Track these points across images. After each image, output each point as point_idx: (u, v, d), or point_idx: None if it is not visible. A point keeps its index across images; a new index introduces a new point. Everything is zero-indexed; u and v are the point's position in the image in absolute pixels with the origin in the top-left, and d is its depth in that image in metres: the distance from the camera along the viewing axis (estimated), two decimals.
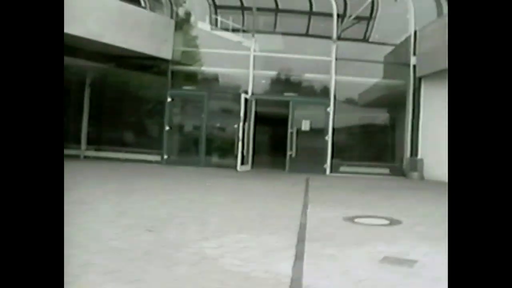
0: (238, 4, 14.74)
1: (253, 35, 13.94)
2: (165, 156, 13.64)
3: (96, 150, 14.36)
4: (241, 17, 14.76)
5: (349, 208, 6.74)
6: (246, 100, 12.96)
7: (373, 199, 8.31)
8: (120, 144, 14.28)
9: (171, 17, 13.98)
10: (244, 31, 14.41)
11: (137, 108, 14.17)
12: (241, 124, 12.60)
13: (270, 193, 8.61)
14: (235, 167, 12.68)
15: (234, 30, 14.65)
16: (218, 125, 14.03)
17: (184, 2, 14.75)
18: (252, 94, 13.62)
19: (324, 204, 7.29)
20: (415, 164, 13.77)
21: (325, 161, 13.71)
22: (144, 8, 13.35)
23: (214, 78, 14.71)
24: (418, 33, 14.15)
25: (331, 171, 13.70)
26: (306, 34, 14.66)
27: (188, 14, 14.70)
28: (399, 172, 14.02)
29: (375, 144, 14.95)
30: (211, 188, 8.95)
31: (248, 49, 13.88)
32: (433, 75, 13.28)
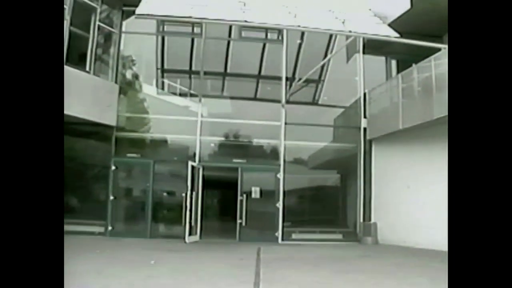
0: (186, 67, 16.08)
1: (200, 100, 15.07)
2: (109, 227, 14.16)
3: None
4: (189, 80, 16.12)
5: None
6: (193, 167, 14.11)
7: (326, 276, 8.41)
8: None
9: (116, 81, 15.09)
10: (192, 94, 15.64)
11: (80, 176, 14.97)
12: (188, 193, 13.67)
13: (218, 273, 8.61)
14: (183, 237, 13.28)
15: (182, 94, 15.98)
16: (165, 193, 15.06)
17: (134, 64, 15.97)
18: (200, 161, 14.71)
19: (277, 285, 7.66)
20: (369, 228, 15.00)
21: (276, 229, 14.57)
22: (88, 72, 14.35)
23: (161, 144, 15.62)
24: (367, 95, 15.73)
25: (283, 239, 14.46)
26: (255, 98, 16.04)
27: (134, 78, 15.93)
28: (352, 237, 15.09)
29: (328, 208, 15.91)
30: (155, 267, 9.06)
31: (196, 114, 15.15)
32: (383, 138, 14.73)
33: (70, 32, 13.06)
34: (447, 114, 10.31)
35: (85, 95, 13.34)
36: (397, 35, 11.16)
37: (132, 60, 15.60)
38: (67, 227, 13.55)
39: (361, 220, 15.13)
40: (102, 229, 14.36)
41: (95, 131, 14.61)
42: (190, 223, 13.54)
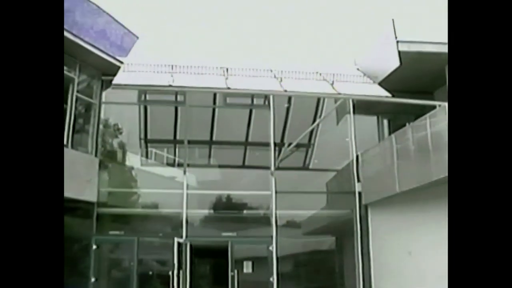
0: (170, 137, 15.40)
1: (184, 172, 14.38)
2: None
3: None
4: (173, 150, 15.42)
5: None
6: (179, 244, 13.23)
7: None
8: None
9: (96, 154, 14.35)
10: (178, 164, 14.94)
11: None
12: (175, 272, 12.75)
13: None
14: None
15: (168, 164, 15.24)
16: (150, 272, 14.11)
17: (120, 133, 15.25)
18: (187, 236, 13.85)
19: None
20: None
21: None
22: (65, 146, 13.54)
23: (145, 219, 14.84)
24: (360, 158, 15.08)
25: None
26: (243, 166, 15.31)
27: (116, 149, 15.21)
28: None
29: (325, 277, 15.10)
30: None
31: (182, 185, 14.38)
32: (380, 202, 14.05)
33: None
34: (446, 175, 9.76)
35: None
36: (389, 94, 10.62)
37: (118, 129, 14.83)
38: None
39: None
40: None
41: (74, 207, 13.67)
42: None
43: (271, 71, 11.89)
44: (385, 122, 15.71)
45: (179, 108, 14.78)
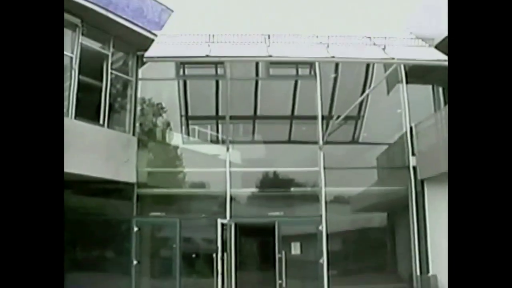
0: (212, 113, 14.62)
1: (227, 149, 13.67)
2: None
3: None
4: (216, 126, 14.65)
5: None
6: (223, 225, 12.55)
7: None
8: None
9: (133, 133, 13.78)
10: (221, 141, 14.20)
11: (99, 240, 13.52)
12: (219, 255, 12.10)
13: None
14: None
15: (211, 141, 14.51)
16: (194, 255, 13.51)
17: (165, 111, 14.59)
18: (231, 216, 13.20)
19: None
20: (428, 282, 13.08)
21: None
22: (101, 125, 13.02)
23: (188, 200, 14.22)
24: (414, 130, 14.03)
25: None
26: (289, 141, 14.43)
27: (155, 128, 14.58)
28: None
29: (376, 259, 14.37)
30: None
31: (225, 162, 13.66)
32: (438, 178, 12.99)
33: (80, 82, 11.79)
34: None
35: (98, 151, 12.00)
36: (446, 58, 9.51)
37: (162, 108, 14.15)
38: None
39: (417, 272, 13.12)
40: None
41: (113, 188, 13.16)
42: None
43: (317, 37, 10.90)
44: (440, 90, 14.47)
45: (220, 82, 13.94)
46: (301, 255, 13.09)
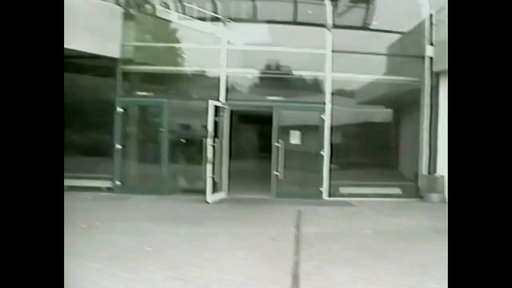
0: None
1: (225, 24, 12.28)
2: (118, 182, 11.81)
3: None
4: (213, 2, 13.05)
5: None
6: (216, 108, 11.35)
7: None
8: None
9: (117, 3, 12.27)
10: (217, 18, 12.69)
11: (80, 121, 12.27)
12: (209, 140, 10.97)
13: (231, 279, 5.24)
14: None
15: (206, 19, 12.96)
16: (183, 140, 12.37)
17: None
18: (226, 99, 12.02)
19: None
20: (435, 182, 12.23)
21: (321, 182, 12.06)
22: None
23: (178, 80, 12.92)
24: (434, 18, 12.64)
25: (329, 195, 12.08)
26: (294, 22, 12.97)
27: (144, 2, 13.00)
28: (413, 192, 12.41)
29: (382, 158, 13.20)
30: (147, 258, 6.04)
31: (220, 41, 12.28)
32: None
33: None
34: None
35: (78, 22, 10.50)
36: None
37: None
38: (68, 182, 11.18)
39: (425, 172, 12.18)
40: (109, 184, 11.97)
41: (95, 65, 11.85)
42: (212, 178, 10.96)
43: None
44: None
45: None
46: (301, 145, 11.93)
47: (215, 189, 11.11)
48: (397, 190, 12.44)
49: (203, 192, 10.82)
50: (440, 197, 11.88)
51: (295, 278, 5.20)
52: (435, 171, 12.25)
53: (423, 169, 12.41)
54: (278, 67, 12.49)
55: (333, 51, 12.10)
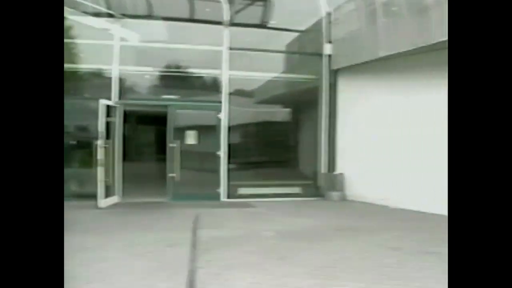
0: None
1: (116, 19, 11.69)
2: None
3: None
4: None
5: None
6: (108, 108, 10.83)
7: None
8: None
9: None
10: (111, 15, 12.11)
11: None
12: (100, 141, 10.43)
13: (131, 273, 5.29)
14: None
15: (99, 15, 12.34)
16: (74, 142, 11.73)
17: None
18: (119, 98, 11.50)
19: None
20: (335, 180, 12.28)
21: (218, 183, 11.86)
22: None
23: (68, 78, 12.28)
24: (332, 16, 12.66)
25: (228, 196, 11.84)
26: (191, 19, 12.57)
27: None
28: (313, 191, 12.40)
29: (282, 157, 13.06)
30: None
31: (117, 38, 11.72)
32: (354, 68, 11.83)
33: None
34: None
35: None
36: None
37: None
38: None
39: (324, 169, 12.21)
40: None
41: None
42: (105, 182, 10.43)
43: None
44: None
45: None
46: (198, 145, 11.62)
47: (107, 193, 10.57)
48: (297, 190, 12.37)
49: (95, 196, 10.26)
50: (340, 195, 11.94)
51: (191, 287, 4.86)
52: (334, 169, 12.28)
53: (322, 167, 12.40)
54: (174, 65, 12.07)
55: (230, 49, 11.80)
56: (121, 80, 11.48)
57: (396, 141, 10.75)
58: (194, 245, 6.86)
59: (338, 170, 12.29)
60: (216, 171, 11.72)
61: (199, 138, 11.70)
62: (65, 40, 11.39)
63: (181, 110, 11.66)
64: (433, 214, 9.33)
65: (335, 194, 11.96)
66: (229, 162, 11.79)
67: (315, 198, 12.10)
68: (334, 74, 12.44)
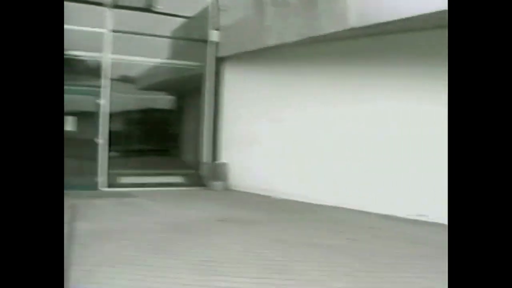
0: None
1: None
2: None
3: None
4: None
5: None
6: None
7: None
8: None
9: None
10: None
11: None
12: None
13: None
14: None
15: None
16: None
17: None
18: None
19: None
20: (218, 170, 12.23)
21: (97, 172, 11.37)
22: None
23: None
24: (219, 2, 12.50)
25: (108, 185, 11.39)
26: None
27: None
28: (196, 181, 12.28)
29: (165, 146, 12.96)
30: None
31: None
32: (242, 56, 11.72)
33: None
34: (338, 29, 8.40)
35: None
36: None
37: None
38: None
39: (207, 159, 12.13)
40: None
41: None
42: None
43: None
44: None
45: None
46: (76, 132, 11.04)
47: None
48: (180, 179, 12.19)
49: None
50: (223, 184, 11.91)
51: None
52: (217, 159, 12.23)
53: (205, 157, 12.31)
54: None
55: (113, 31, 11.27)
56: None
57: (282, 131, 10.87)
58: (68, 239, 6.42)
59: (222, 160, 12.21)
60: (94, 159, 11.19)
61: (79, 124, 11.10)
62: None
63: None
64: (317, 205, 9.57)
65: (218, 184, 11.92)
66: (109, 150, 11.30)
67: (198, 188, 11.98)
68: (221, 62, 12.30)
